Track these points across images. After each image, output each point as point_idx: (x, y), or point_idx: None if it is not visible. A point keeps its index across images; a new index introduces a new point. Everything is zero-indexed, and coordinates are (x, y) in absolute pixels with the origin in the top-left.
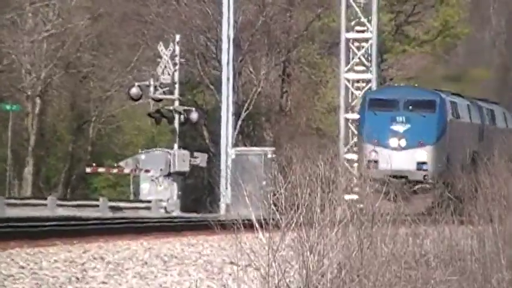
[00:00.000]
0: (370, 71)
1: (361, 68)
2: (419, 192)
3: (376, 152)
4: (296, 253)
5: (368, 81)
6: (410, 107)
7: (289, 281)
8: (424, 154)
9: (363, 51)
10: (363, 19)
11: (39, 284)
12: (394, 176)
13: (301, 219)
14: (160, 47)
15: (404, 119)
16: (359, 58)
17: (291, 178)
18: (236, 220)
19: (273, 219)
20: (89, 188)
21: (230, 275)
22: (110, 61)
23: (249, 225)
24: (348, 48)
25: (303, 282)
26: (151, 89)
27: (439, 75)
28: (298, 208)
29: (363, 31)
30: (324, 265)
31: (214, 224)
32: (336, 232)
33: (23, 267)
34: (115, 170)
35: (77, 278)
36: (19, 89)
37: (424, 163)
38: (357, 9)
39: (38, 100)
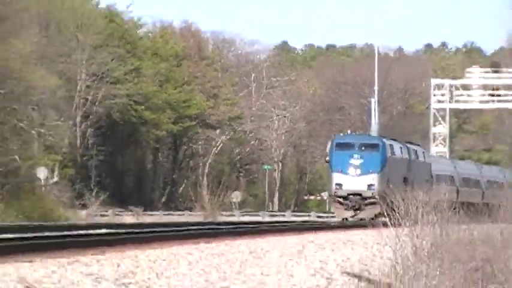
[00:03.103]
0: None
1: None
2: (369, 204)
3: (340, 178)
4: None
5: None
6: (363, 148)
7: None
8: (372, 179)
9: None
10: None
11: None
12: (353, 194)
13: None
14: None
15: (359, 156)
16: None
17: None
18: None
19: None
20: None
21: None
22: None
23: None
24: None
25: None
26: None
27: None
28: None
29: None
30: None
31: None
32: None
33: None
34: None
35: None
36: (270, 158)
37: (372, 185)
38: None
39: (280, 164)
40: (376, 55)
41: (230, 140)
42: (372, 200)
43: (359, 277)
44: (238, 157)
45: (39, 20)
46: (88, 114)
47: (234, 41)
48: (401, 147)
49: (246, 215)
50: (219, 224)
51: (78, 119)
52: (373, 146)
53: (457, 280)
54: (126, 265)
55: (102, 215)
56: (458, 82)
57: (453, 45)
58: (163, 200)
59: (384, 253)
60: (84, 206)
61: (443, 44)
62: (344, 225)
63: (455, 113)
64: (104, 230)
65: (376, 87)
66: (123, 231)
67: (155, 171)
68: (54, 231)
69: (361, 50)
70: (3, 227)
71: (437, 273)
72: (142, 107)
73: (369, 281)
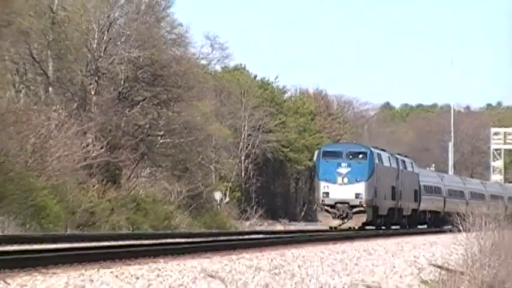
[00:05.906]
0: None
1: None
2: (356, 213)
3: (327, 186)
4: None
5: None
6: (350, 156)
7: None
8: (360, 188)
9: None
10: None
11: None
12: (340, 202)
13: None
14: None
15: (346, 165)
16: None
17: None
18: None
19: None
20: None
21: None
22: None
23: None
24: None
25: None
26: None
27: None
28: None
29: None
30: None
31: None
32: None
33: None
34: None
35: None
36: None
37: (360, 194)
38: None
39: None
40: (452, 112)
41: None
42: (360, 209)
43: (441, 267)
44: None
45: (215, 88)
46: (249, 154)
47: (352, 102)
48: (389, 157)
49: None
50: (342, 231)
51: (242, 157)
52: (361, 155)
53: (510, 269)
54: (277, 260)
55: (259, 225)
56: (510, 130)
57: (506, 104)
58: (302, 214)
59: (459, 251)
60: (247, 219)
61: (499, 103)
62: (430, 231)
63: (509, 152)
64: (261, 236)
65: (452, 134)
66: (275, 236)
67: (297, 194)
68: (227, 236)
69: (441, 107)
70: (192, 234)
71: (497, 264)
72: (288, 149)
73: (448, 270)
